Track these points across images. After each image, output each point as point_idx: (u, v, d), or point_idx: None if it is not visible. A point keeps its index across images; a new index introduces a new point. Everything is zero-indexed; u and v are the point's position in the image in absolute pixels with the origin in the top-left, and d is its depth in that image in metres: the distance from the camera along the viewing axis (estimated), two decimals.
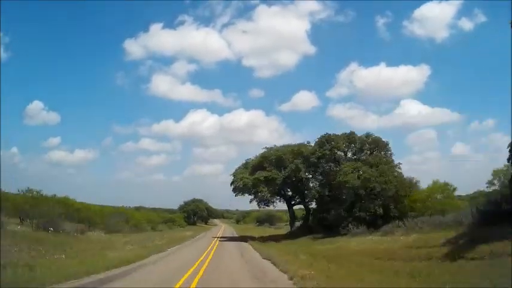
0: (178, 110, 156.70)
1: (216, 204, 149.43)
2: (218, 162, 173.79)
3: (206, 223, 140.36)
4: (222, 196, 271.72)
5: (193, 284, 12.71)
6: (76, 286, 11.79)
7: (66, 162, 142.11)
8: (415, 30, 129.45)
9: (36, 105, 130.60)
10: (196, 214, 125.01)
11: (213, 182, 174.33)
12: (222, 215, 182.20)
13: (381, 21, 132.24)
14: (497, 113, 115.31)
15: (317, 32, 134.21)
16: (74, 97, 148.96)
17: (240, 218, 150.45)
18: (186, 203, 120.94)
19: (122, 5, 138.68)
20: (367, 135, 42.06)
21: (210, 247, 32.29)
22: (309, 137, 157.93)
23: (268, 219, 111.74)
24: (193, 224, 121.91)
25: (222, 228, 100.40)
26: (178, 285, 12.47)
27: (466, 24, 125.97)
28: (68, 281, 12.22)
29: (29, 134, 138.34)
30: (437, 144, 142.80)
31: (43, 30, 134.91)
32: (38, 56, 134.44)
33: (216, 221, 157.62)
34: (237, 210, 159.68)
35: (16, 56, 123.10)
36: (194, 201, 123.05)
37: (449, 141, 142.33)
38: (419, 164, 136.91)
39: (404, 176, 39.11)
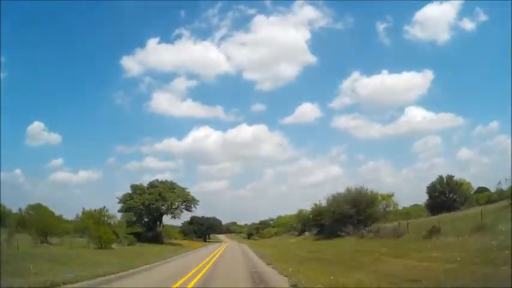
0: (180, 127, 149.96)
1: (223, 220, 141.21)
2: (224, 178, 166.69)
3: (206, 240, 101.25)
4: (230, 212, 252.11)
5: None
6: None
7: (71, 183, 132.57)
8: (416, 34, 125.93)
9: (37, 126, 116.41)
10: (159, 218, 55.94)
11: (220, 198, 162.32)
12: (228, 229, 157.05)
13: (381, 27, 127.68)
14: (500, 115, 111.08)
15: (317, 41, 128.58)
16: (73, 117, 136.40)
17: (253, 231, 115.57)
18: (134, 190, 52.29)
19: (116, 20, 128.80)
20: None
21: None
22: (313, 149, 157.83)
23: (338, 223, 34.75)
24: (156, 240, 54.21)
25: (221, 249, 46.55)
26: None
27: (468, 25, 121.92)
28: None
29: (31, 156, 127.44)
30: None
31: (39, 51, 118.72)
32: (34, 76, 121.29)
33: (221, 236, 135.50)
34: (245, 224, 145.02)
35: (13, 77, 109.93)
36: (154, 185, 53.77)
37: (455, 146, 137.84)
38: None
39: None
